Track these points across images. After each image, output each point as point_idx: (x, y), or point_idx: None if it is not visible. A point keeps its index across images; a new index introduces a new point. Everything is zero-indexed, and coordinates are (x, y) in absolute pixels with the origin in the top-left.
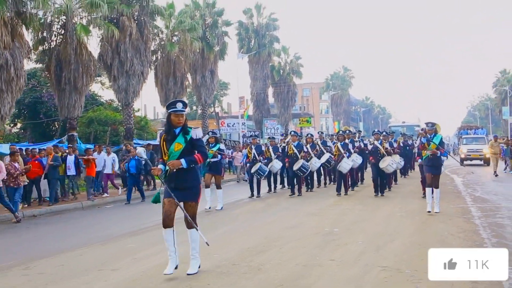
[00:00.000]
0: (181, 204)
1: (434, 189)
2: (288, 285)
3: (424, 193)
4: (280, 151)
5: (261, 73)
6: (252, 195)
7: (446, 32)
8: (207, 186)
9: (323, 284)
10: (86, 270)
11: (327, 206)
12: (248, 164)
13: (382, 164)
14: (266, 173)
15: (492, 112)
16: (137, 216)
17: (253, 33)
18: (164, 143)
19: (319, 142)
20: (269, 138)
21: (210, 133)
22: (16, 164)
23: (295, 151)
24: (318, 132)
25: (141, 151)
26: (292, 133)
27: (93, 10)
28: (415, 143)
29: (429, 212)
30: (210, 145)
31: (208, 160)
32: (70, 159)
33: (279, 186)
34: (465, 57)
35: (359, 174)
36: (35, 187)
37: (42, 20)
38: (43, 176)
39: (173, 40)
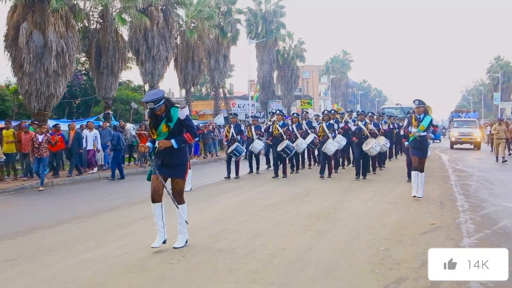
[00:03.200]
0: (168, 180)
1: (419, 173)
2: (333, 207)
3: (409, 177)
4: (263, 130)
5: (267, 57)
6: (228, 176)
7: (443, 17)
8: None
9: (354, 208)
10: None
11: (336, 176)
12: (226, 143)
13: (365, 147)
14: (243, 153)
15: (485, 97)
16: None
17: (261, 19)
18: (151, 122)
19: (303, 122)
20: (251, 117)
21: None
22: (40, 137)
23: (280, 131)
24: (303, 112)
25: (130, 128)
26: (278, 112)
27: (129, 2)
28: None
29: (414, 197)
30: None
31: None
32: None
33: (265, 166)
34: (461, 42)
35: (345, 156)
36: (56, 160)
37: (85, 11)
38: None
39: (191, 27)
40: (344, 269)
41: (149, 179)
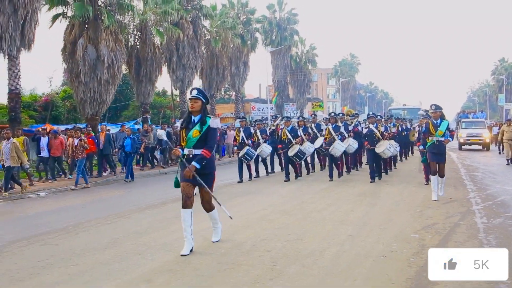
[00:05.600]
0: (200, 186)
1: (440, 178)
2: (372, 190)
3: (426, 180)
4: (268, 134)
5: (282, 62)
6: (241, 180)
7: (448, 19)
8: None
9: (388, 190)
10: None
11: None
12: (236, 148)
13: (378, 149)
14: (254, 157)
15: (490, 98)
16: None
17: (275, 26)
18: (183, 130)
19: (312, 125)
20: (256, 121)
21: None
22: (76, 141)
23: (289, 136)
24: (311, 115)
25: (162, 133)
26: (286, 118)
27: (164, 17)
28: (412, 128)
29: (436, 201)
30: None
31: None
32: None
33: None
34: (467, 43)
35: (357, 158)
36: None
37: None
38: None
39: (215, 37)
40: (396, 220)
41: (176, 186)
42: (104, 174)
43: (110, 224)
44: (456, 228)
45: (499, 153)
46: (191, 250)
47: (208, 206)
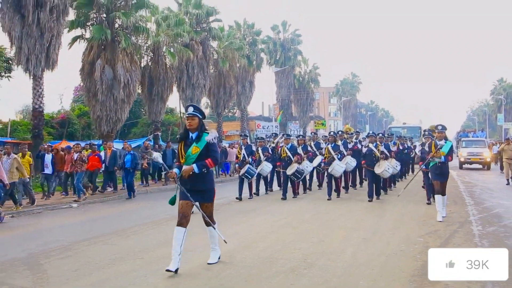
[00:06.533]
0: (197, 204)
1: (441, 196)
2: (378, 204)
3: (428, 200)
4: (270, 151)
5: (285, 81)
6: (240, 197)
7: (448, 39)
8: None
9: (393, 206)
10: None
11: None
12: (237, 165)
13: (378, 170)
14: (255, 175)
15: (489, 117)
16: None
17: (279, 46)
18: (182, 147)
19: (312, 144)
20: (257, 138)
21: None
22: (75, 155)
23: (289, 154)
24: (311, 133)
25: (157, 156)
26: (286, 136)
27: (176, 39)
28: (413, 146)
29: (440, 221)
30: None
31: None
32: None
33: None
34: (467, 63)
35: (356, 177)
36: (93, 177)
37: (143, 48)
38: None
39: (223, 57)
40: (403, 227)
41: (171, 203)
42: (108, 190)
43: (152, 229)
44: (455, 234)
45: (501, 172)
46: (175, 271)
47: (210, 219)
